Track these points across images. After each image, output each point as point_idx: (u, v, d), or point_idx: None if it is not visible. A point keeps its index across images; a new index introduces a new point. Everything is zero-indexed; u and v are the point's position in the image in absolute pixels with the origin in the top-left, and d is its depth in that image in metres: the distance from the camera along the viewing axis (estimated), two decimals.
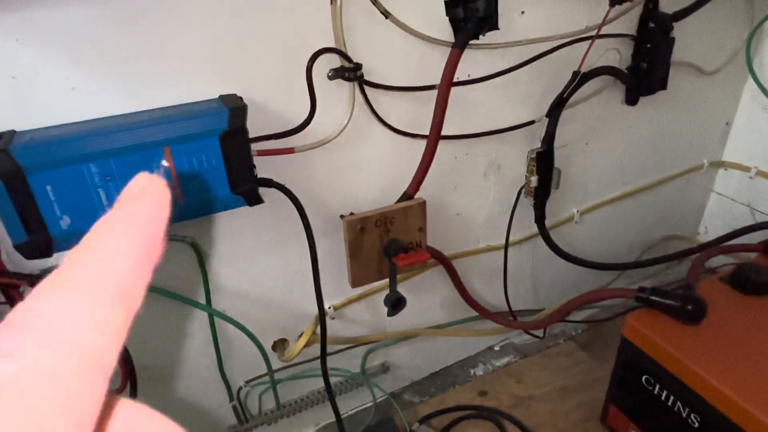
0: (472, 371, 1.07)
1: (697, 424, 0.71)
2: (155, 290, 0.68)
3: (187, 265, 0.69)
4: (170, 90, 0.59)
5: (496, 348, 1.12)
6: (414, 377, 1.05)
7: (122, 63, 0.56)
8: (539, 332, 1.12)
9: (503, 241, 0.94)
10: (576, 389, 0.99)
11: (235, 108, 0.58)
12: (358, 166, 0.76)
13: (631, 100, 0.94)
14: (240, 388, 0.83)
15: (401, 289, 0.89)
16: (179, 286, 0.70)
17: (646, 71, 0.89)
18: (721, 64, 1.03)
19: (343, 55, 0.65)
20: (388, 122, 0.74)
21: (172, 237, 0.66)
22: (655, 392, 0.77)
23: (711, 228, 1.28)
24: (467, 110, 0.80)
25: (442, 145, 0.80)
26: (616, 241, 1.14)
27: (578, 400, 0.96)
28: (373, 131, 0.74)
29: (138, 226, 0.15)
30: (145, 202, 0.15)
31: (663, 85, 0.93)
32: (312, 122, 0.66)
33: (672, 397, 0.74)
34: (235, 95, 0.62)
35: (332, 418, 0.87)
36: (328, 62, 0.66)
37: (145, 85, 0.58)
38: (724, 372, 0.67)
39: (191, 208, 0.59)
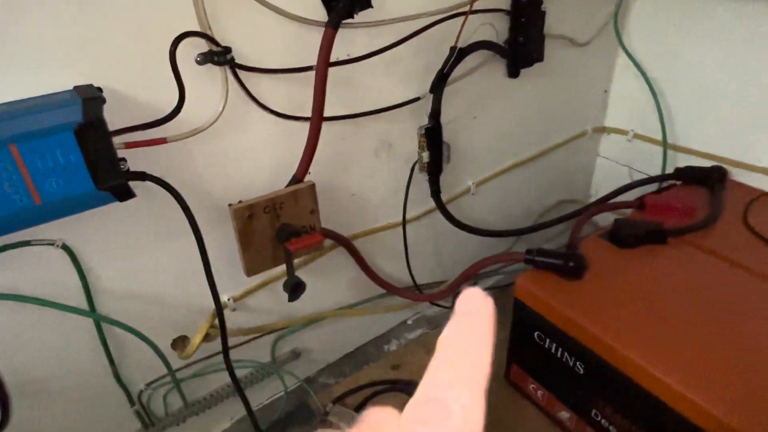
0: (386, 347, 1.09)
1: (582, 371, 0.77)
2: (31, 300, 0.63)
3: (62, 271, 0.65)
4: (15, 83, 0.55)
5: (409, 322, 1.15)
6: (329, 359, 1.06)
7: None
8: (448, 302, 1.16)
9: (401, 218, 0.96)
10: None
11: (89, 99, 0.54)
12: (242, 152, 0.74)
13: (512, 72, 0.98)
14: (141, 392, 0.80)
15: (303, 273, 0.89)
16: (57, 293, 0.66)
17: (522, 44, 0.93)
18: (592, 36, 1.09)
19: (209, 39, 0.63)
20: (269, 106, 0.73)
21: (37, 242, 0.61)
22: (546, 346, 0.82)
23: (601, 190, 1.37)
24: (351, 90, 0.81)
25: (328, 127, 0.80)
26: (512, 209, 1.20)
27: None
28: (253, 116, 0.72)
29: (488, 342, 0.18)
30: (488, 321, 0.18)
31: (540, 57, 0.97)
32: (183, 110, 0.63)
33: (560, 349, 0.79)
34: (91, 86, 0.58)
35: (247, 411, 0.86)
36: (197, 47, 0.64)
37: None
38: (601, 320, 0.73)
39: (52, 208, 0.55)
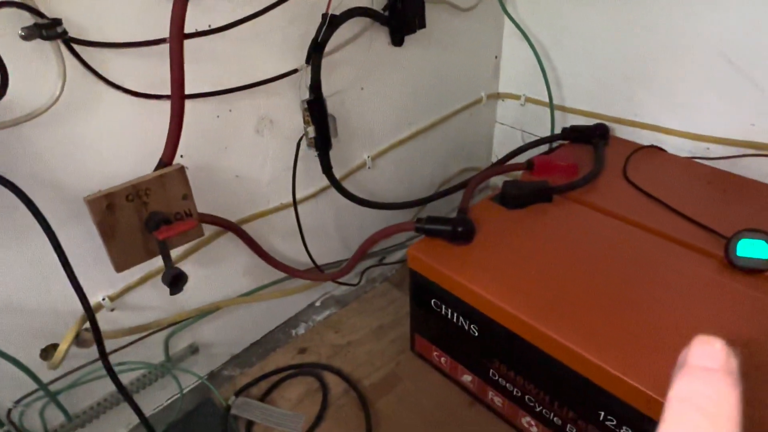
0: (293, 331, 1.06)
1: (476, 334, 0.78)
2: None
3: None
4: None
5: (317, 304, 1.13)
6: (234, 351, 1.01)
7: None
8: (355, 280, 1.15)
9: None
10: (390, 326, 1.03)
11: None
12: (98, 138, 0.67)
13: (397, 40, 0.96)
14: (10, 410, 0.73)
15: (190, 263, 0.84)
16: None
17: (401, 10, 0.91)
18: (475, 1, 1.09)
19: (30, 10, 0.56)
20: (122, 85, 0.66)
21: None
22: (443, 313, 0.82)
23: (501, 155, 1.40)
24: (219, 64, 0.75)
25: (197, 104, 0.75)
26: (414, 181, 1.20)
27: (392, 336, 1.01)
28: (103, 96, 0.66)
29: (737, 414, 0.15)
30: (732, 385, 0.15)
31: (422, 24, 0.96)
32: (11, 93, 0.56)
33: (454, 314, 0.80)
34: None
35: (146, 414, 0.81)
36: (18, 19, 0.56)
37: None
38: (488, 281, 0.73)
39: None
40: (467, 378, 0.86)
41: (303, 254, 1.00)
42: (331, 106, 0.90)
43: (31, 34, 0.57)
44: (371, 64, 0.96)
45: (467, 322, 0.78)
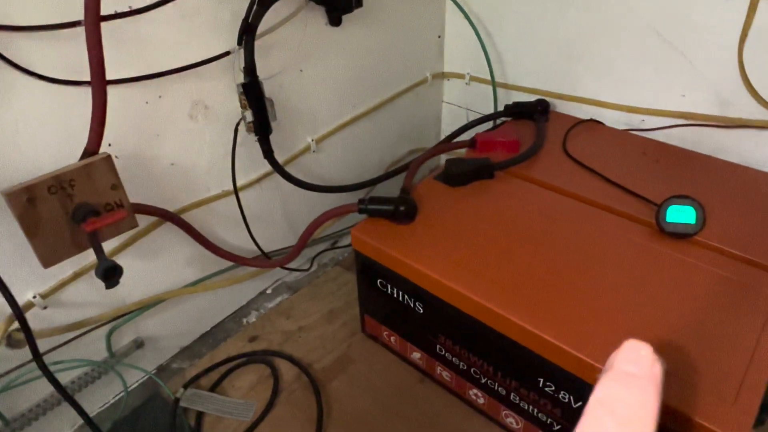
0: (245, 320, 1.05)
1: (421, 311, 0.79)
2: None
3: None
4: None
5: (268, 291, 1.11)
6: (182, 343, 0.99)
7: None
8: (306, 266, 1.14)
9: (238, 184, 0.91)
10: (342, 310, 1.03)
11: None
12: (13, 128, 0.64)
13: (334, 20, 0.94)
14: None
15: (128, 256, 0.82)
16: None
17: None
18: None
19: None
20: (37, 71, 0.63)
21: None
22: (388, 292, 0.82)
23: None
24: (143, 47, 0.72)
25: (123, 90, 0.72)
26: (362, 163, 1.19)
27: (344, 319, 1.01)
28: (17, 84, 0.62)
29: (652, 421, 0.16)
30: (652, 392, 0.16)
31: (358, 2, 0.94)
32: None
33: (399, 292, 0.80)
34: None
35: (91, 413, 0.78)
36: None
37: None
38: (429, 258, 0.74)
39: None
40: (416, 355, 0.87)
41: (250, 242, 0.99)
42: (269, 89, 0.88)
43: None
44: (309, 45, 0.94)
45: (412, 300, 0.79)
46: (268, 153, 0.90)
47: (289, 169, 0.96)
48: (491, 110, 1.24)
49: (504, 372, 0.72)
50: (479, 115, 1.23)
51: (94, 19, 0.61)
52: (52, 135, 0.67)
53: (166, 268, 0.89)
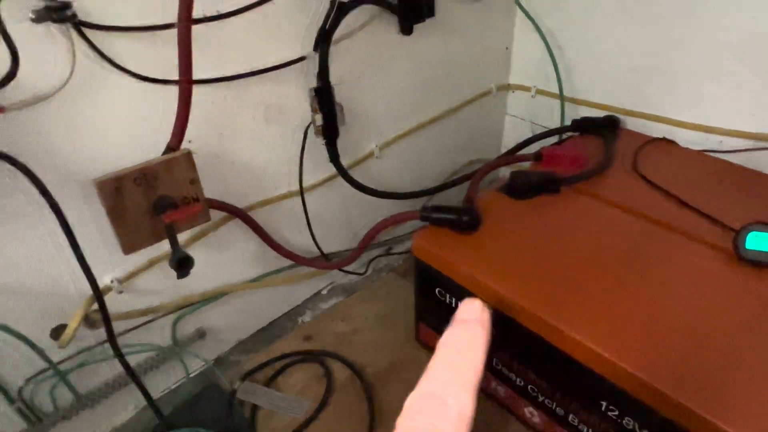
0: (300, 319, 1.07)
1: None
2: None
3: None
4: None
5: (324, 292, 1.13)
6: (240, 336, 1.03)
7: None
8: (362, 270, 1.15)
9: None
10: (395, 316, 1.03)
11: None
12: (107, 121, 0.68)
13: (405, 29, 0.95)
14: (21, 388, 0.74)
15: (198, 248, 0.85)
16: None
17: None
18: None
19: None
20: (131, 69, 0.67)
21: None
22: (447, 301, 0.82)
23: (511, 146, 1.39)
24: (227, 50, 0.76)
25: (206, 90, 0.76)
26: (422, 171, 1.19)
27: (398, 325, 1.01)
28: (112, 80, 0.67)
29: (482, 348, 0.21)
30: (483, 330, 0.21)
31: (431, 12, 0.95)
32: (22, 76, 0.57)
33: (458, 303, 0.80)
34: None
35: (153, 397, 0.82)
36: (31, 1, 0.57)
37: None
38: (494, 271, 0.73)
39: None
40: None
41: (310, 242, 1.01)
42: (339, 95, 0.90)
43: (41, 16, 0.58)
44: (380, 52, 0.96)
45: None
46: (334, 157, 0.92)
47: (352, 174, 0.98)
48: (556, 124, 1.21)
49: (564, 392, 0.70)
50: (543, 128, 1.22)
51: (186, 22, 0.65)
52: (137, 129, 0.71)
53: (230, 262, 0.92)
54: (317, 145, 0.93)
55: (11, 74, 0.56)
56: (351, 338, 0.99)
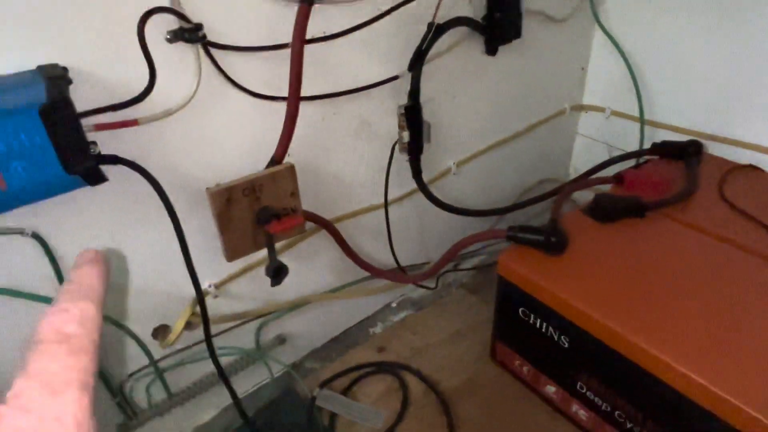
0: (371, 330, 1.09)
1: (567, 345, 0.78)
2: (1, 291, 0.61)
3: (33, 261, 0.63)
4: None
5: (394, 305, 1.15)
6: (314, 344, 1.05)
7: None
8: (432, 284, 1.16)
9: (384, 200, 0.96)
10: (468, 332, 1.04)
11: (54, 78, 0.52)
12: (219, 134, 0.72)
13: (491, 50, 0.97)
14: (122, 383, 0.78)
15: (286, 258, 0.88)
16: (27, 282, 0.63)
17: (499, 20, 0.92)
18: (569, 12, 1.09)
19: (180, 15, 0.61)
20: (245, 86, 0.71)
21: (6, 230, 0.59)
22: (531, 322, 0.82)
23: (580, 168, 1.38)
24: (329, 69, 0.79)
25: (306, 107, 0.79)
26: (494, 189, 1.20)
27: (470, 341, 1.01)
28: (228, 96, 0.71)
29: (99, 275, 0.26)
30: (97, 264, 0.26)
31: (517, 34, 0.97)
32: (154, 91, 0.61)
33: (544, 324, 0.80)
34: (56, 65, 0.56)
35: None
36: (167, 24, 0.62)
37: None
38: (584, 294, 0.73)
39: (19, 194, 0.53)
40: (551, 389, 0.85)
41: (384, 255, 1.03)
42: (425, 113, 0.92)
43: (175, 37, 0.62)
44: (465, 72, 0.97)
45: (557, 333, 0.78)
46: (417, 173, 0.94)
47: (430, 189, 0.99)
48: (632, 146, 1.20)
49: (656, 420, 0.69)
50: (619, 150, 1.21)
51: (299, 43, 0.68)
52: (244, 142, 0.75)
53: (314, 272, 0.94)
54: (400, 161, 0.95)
55: (148, 90, 0.61)
56: (424, 352, 1.00)
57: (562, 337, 0.78)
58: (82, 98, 0.58)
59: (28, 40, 0.54)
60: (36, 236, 0.62)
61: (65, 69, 0.56)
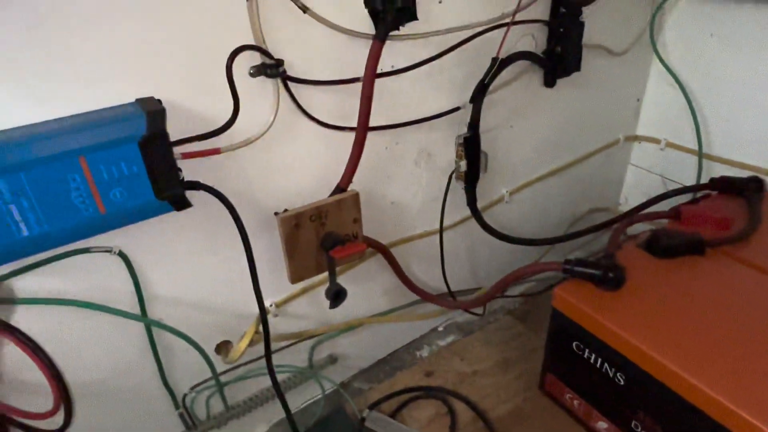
0: (418, 353, 1.10)
1: (622, 382, 0.77)
2: (86, 305, 0.65)
3: (117, 276, 0.67)
4: (82, 96, 0.57)
5: (440, 329, 1.16)
6: (362, 365, 1.07)
7: (26, 69, 0.53)
8: (479, 310, 1.17)
9: (438, 226, 0.97)
10: (516, 361, 1.04)
11: (153, 112, 0.56)
12: (289, 162, 0.76)
13: (549, 82, 0.98)
14: (185, 395, 0.82)
15: (342, 280, 0.90)
16: (111, 298, 0.68)
17: (560, 54, 0.93)
18: (628, 46, 1.09)
19: (264, 52, 0.64)
20: (316, 117, 0.74)
21: (97, 249, 0.63)
22: (585, 356, 0.82)
23: (631, 197, 1.37)
24: (394, 100, 0.82)
25: (371, 136, 0.81)
26: (545, 217, 1.20)
27: (518, 370, 1.01)
28: (300, 126, 0.74)
29: None
30: None
31: (577, 67, 0.98)
32: (237, 121, 0.65)
33: (599, 360, 0.80)
34: (152, 98, 0.60)
35: (284, 415, 0.87)
36: (249, 59, 0.66)
37: (53, 93, 0.55)
38: (642, 332, 0.73)
39: (114, 218, 0.57)
40: (602, 425, 0.85)
41: (434, 279, 1.04)
42: (483, 143, 0.93)
43: (257, 71, 0.66)
44: (523, 103, 0.99)
45: (613, 370, 0.78)
46: (472, 201, 0.96)
47: (483, 217, 1.00)
48: (687, 179, 1.19)
49: None
50: (676, 184, 1.19)
51: (371, 77, 0.71)
52: (312, 169, 0.78)
53: (367, 294, 0.97)
54: (456, 188, 0.97)
55: (232, 121, 0.65)
56: (471, 379, 1.01)
57: (618, 374, 0.77)
58: (172, 128, 0.62)
59: (128, 75, 0.59)
60: (122, 254, 0.66)
61: (159, 101, 0.61)
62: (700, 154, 1.14)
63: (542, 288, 1.22)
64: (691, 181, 1.18)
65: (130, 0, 0.56)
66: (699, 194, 1.09)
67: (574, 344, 0.83)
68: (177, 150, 0.62)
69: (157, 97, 0.61)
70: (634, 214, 1.01)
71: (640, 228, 1.17)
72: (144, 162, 0.56)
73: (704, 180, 1.09)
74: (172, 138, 0.62)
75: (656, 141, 1.24)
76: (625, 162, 1.32)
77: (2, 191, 0.49)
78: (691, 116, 1.13)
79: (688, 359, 0.68)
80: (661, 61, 1.14)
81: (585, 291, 0.81)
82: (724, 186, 1.05)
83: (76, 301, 0.65)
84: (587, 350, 0.81)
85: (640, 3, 1.07)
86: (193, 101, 0.64)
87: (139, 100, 0.59)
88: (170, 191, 0.58)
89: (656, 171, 1.27)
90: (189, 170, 0.65)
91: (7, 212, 0.50)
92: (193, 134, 0.63)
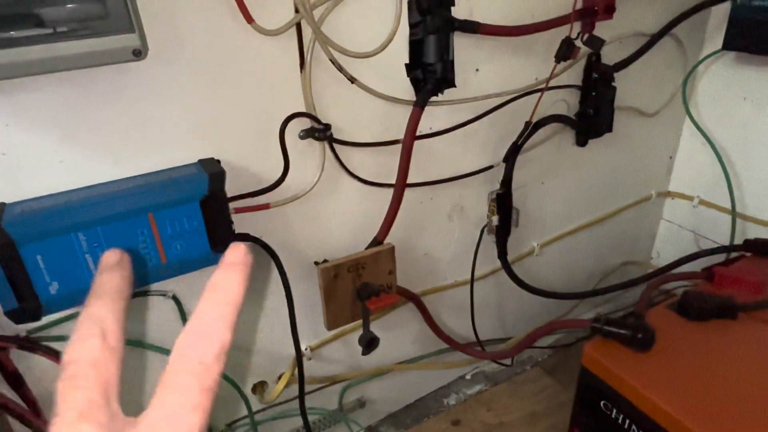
0: (445, 401, 1.11)
1: None
2: (139, 344, 0.71)
3: (169, 318, 0.72)
4: (152, 157, 0.63)
5: (468, 377, 1.17)
6: (390, 410, 1.09)
7: (107, 135, 0.60)
8: (507, 360, 1.18)
9: (469, 277, 1.00)
10: (543, 414, 1.04)
11: (214, 173, 0.62)
12: (330, 215, 0.81)
13: (581, 142, 1.02)
14: (222, 431, 0.86)
15: (374, 326, 0.94)
16: (161, 337, 0.73)
17: (592, 116, 0.97)
18: (660, 107, 1.12)
19: (314, 118, 0.70)
20: (358, 174, 0.79)
21: (154, 292, 0.69)
22: (613, 416, 0.82)
23: (662, 252, 1.37)
24: (430, 159, 0.86)
25: (407, 192, 0.86)
26: (575, 270, 1.22)
27: (545, 424, 1.02)
28: (343, 183, 0.79)
29: (243, 288, 0.23)
30: (245, 273, 0.23)
31: (609, 128, 1.01)
32: (285, 179, 0.71)
33: (627, 421, 0.80)
34: (212, 159, 0.66)
35: None
36: (300, 123, 0.72)
37: (128, 154, 0.62)
38: (671, 395, 0.73)
39: (173, 267, 0.63)
40: None
41: (463, 328, 1.07)
42: (515, 198, 0.97)
43: (306, 134, 0.72)
44: (555, 162, 1.02)
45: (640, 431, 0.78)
46: (503, 254, 0.99)
47: (513, 270, 1.03)
48: (720, 237, 1.19)
49: None
50: (709, 242, 1.20)
51: (410, 139, 0.76)
52: (351, 223, 0.83)
53: (397, 341, 1.00)
54: (486, 242, 1.00)
55: (281, 179, 0.70)
56: (499, 430, 1.01)
57: None
58: (227, 185, 0.67)
59: (193, 139, 0.65)
60: (175, 298, 0.71)
61: (219, 162, 0.67)
62: (734, 214, 1.14)
63: (571, 340, 1.22)
64: (724, 240, 1.18)
65: (200, 78, 0.63)
66: (732, 255, 1.09)
67: (602, 403, 0.84)
68: (231, 205, 0.68)
69: (216, 158, 0.67)
70: (666, 273, 1.02)
71: (670, 284, 1.18)
72: (203, 218, 0.61)
73: (737, 239, 1.10)
74: (229, 194, 0.68)
75: (689, 198, 1.25)
76: (657, 217, 1.33)
77: (82, 243, 0.55)
78: (724, 176, 1.14)
79: (717, 427, 0.68)
80: (694, 122, 1.16)
81: (614, 350, 0.82)
82: (759, 248, 1.05)
83: (130, 340, 0.70)
84: (615, 410, 0.82)
85: (673, 67, 1.11)
86: (247, 161, 0.70)
87: (201, 161, 0.65)
88: (225, 244, 0.64)
89: (689, 227, 1.27)
90: (239, 222, 0.70)
91: (84, 262, 0.56)
92: (246, 191, 0.69)
